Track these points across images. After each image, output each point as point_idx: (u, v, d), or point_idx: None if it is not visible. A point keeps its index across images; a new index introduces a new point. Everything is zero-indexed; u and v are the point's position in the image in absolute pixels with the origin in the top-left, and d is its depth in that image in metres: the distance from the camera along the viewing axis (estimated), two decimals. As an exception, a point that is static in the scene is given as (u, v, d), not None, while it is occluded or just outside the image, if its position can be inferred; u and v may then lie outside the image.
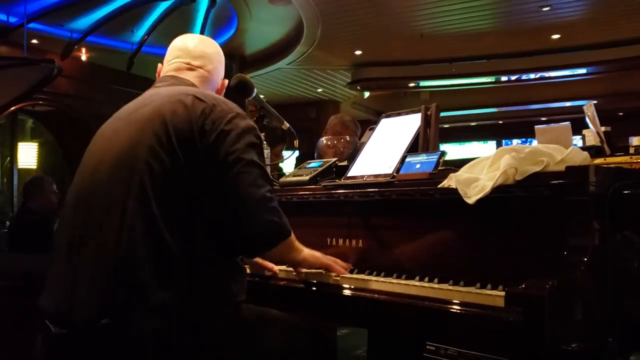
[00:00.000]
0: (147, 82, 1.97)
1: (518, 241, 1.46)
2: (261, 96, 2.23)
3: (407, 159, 1.85)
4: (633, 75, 9.96)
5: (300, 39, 8.47)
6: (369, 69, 10.28)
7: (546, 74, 10.26)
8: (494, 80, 10.72)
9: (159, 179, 1.44)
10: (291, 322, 1.68)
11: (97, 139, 1.63)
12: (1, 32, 6.37)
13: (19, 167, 7.99)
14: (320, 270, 1.78)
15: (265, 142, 2.31)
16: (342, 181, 1.98)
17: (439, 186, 1.61)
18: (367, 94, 11.95)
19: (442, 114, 2.11)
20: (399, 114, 2.13)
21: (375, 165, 1.96)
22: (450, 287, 1.46)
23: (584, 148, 2.35)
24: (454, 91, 11.19)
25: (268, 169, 2.18)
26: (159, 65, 1.81)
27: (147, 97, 1.62)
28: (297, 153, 3.56)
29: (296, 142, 2.40)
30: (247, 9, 7.58)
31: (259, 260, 1.87)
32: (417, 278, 1.59)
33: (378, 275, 1.68)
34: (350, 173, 2.01)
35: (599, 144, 2.64)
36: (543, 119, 13.16)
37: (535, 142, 2.70)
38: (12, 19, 6.43)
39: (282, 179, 2.20)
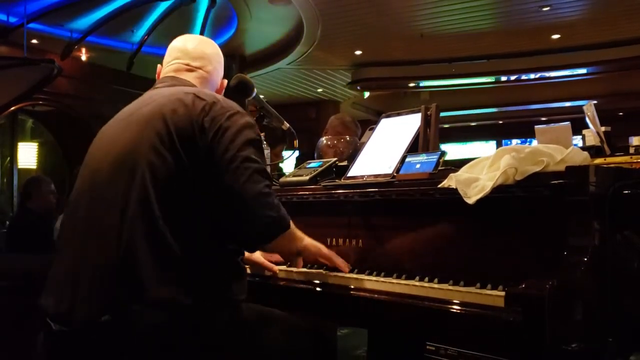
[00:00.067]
0: (147, 82, 1.98)
1: (518, 241, 1.46)
2: (261, 96, 2.23)
3: (407, 159, 1.85)
4: (633, 75, 9.96)
5: (300, 39, 8.48)
6: (369, 69, 10.29)
7: (546, 74, 10.26)
8: (494, 80, 10.72)
9: (161, 178, 1.45)
10: (291, 322, 1.68)
11: (97, 140, 1.64)
12: (1, 32, 6.37)
13: (19, 167, 7.99)
14: (320, 270, 1.78)
15: (265, 142, 2.31)
16: (342, 181, 1.98)
17: (439, 186, 1.61)
18: (367, 94, 11.95)
19: (442, 114, 2.11)
20: (399, 114, 2.13)
21: (375, 165, 1.96)
22: (450, 287, 1.46)
23: (584, 148, 2.35)
24: (454, 91, 11.19)
25: (268, 169, 2.19)
26: (159, 66, 1.81)
27: (148, 98, 1.63)
28: (297, 153, 3.56)
29: (296, 142, 2.40)
30: (247, 9, 7.58)
31: (260, 259, 1.87)
32: (417, 278, 1.59)
33: (378, 275, 1.68)
34: (350, 173, 2.01)
35: (599, 144, 2.64)
36: (543, 119, 13.16)
37: (535, 142, 2.70)
38: (12, 19, 6.44)
39: (282, 179, 2.20)
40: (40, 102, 6.82)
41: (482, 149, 14.61)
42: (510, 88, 11.33)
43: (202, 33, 7.60)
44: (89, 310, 1.39)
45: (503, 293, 1.34)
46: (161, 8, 7.20)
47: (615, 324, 1.37)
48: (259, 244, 1.59)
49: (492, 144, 14.92)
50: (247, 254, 1.75)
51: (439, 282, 1.52)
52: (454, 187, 1.54)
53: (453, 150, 14.57)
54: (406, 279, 1.61)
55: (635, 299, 1.45)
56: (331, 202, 1.93)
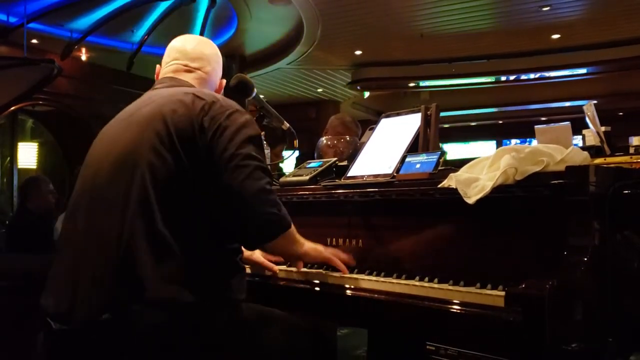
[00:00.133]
0: (147, 82, 1.97)
1: (518, 241, 1.46)
2: (261, 96, 2.23)
3: (407, 159, 1.85)
4: (633, 75, 9.96)
5: (300, 39, 8.48)
6: (369, 69, 10.29)
7: (546, 74, 10.26)
8: (493, 80, 10.73)
9: (161, 178, 1.45)
10: (291, 322, 1.68)
11: (98, 140, 1.64)
12: (1, 32, 6.37)
13: (19, 167, 7.99)
14: (320, 270, 1.78)
15: (265, 142, 2.31)
16: (342, 181, 1.98)
17: (439, 186, 1.61)
18: (367, 94, 11.96)
19: (442, 114, 2.11)
20: (398, 114, 2.13)
21: (375, 165, 1.96)
22: (450, 287, 1.46)
23: (584, 148, 2.36)
24: (454, 91, 11.19)
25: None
26: (157, 66, 1.81)
27: (147, 98, 1.63)
28: (297, 153, 3.56)
29: (296, 142, 2.40)
30: (247, 9, 7.58)
31: (259, 259, 1.87)
32: (417, 278, 1.59)
33: (378, 275, 1.68)
34: (350, 173, 2.01)
35: (599, 144, 2.64)
36: (543, 119, 13.17)
37: (535, 142, 2.70)
38: (12, 19, 6.44)
39: (282, 179, 2.20)
40: (40, 102, 6.82)
41: (482, 149, 14.62)
42: (510, 88, 11.34)
43: (202, 33, 7.61)
44: (89, 310, 1.39)
45: (503, 293, 1.34)
46: (161, 8, 7.21)
47: (615, 324, 1.37)
48: (260, 242, 1.59)
49: (492, 143, 14.92)
50: (247, 253, 1.75)
51: (439, 282, 1.52)
52: (454, 187, 1.54)
53: (453, 150, 14.58)
54: (406, 279, 1.61)
55: (635, 299, 1.45)
56: (331, 202, 1.93)
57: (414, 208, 1.72)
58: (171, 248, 1.41)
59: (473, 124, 14.91)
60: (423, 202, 1.67)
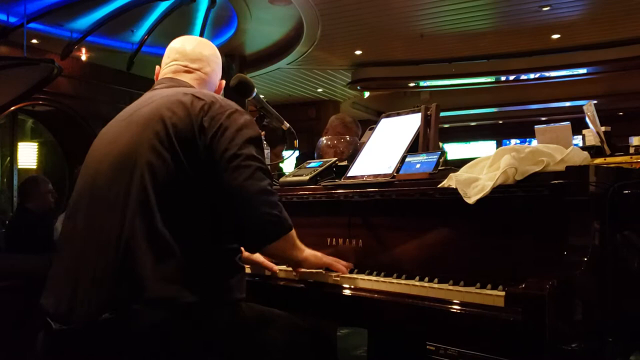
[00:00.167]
0: (147, 82, 1.98)
1: (518, 241, 1.46)
2: (261, 96, 2.23)
3: (407, 159, 1.85)
4: (633, 75, 9.97)
5: (300, 39, 8.48)
6: (369, 69, 10.29)
7: (546, 74, 10.27)
8: (493, 80, 10.73)
9: (160, 178, 1.45)
10: (291, 322, 1.68)
11: (98, 141, 1.64)
12: (1, 32, 6.37)
13: (19, 167, 7.99)
14: (320, 270, 1.78)
15: (265, 142, 2.31)
16: (342, 181, 1.98)
17: (439, 186, 1.61)
18: (367, 94, 11.96)
19: (442, 114, 2.10)
20: (398, 114, 2.13)
21: (375, 165, 1.96)
22: (450, 287, 1.46)
23: (584, 148, 2.36)
24: (454, 91, 11.20)
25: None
26: (157, 67, 1.81)
27: (147, 99, 1.63)
28: (297, 153, 3.56)
29: (296, 142, 2.40)
30: (247, 9, 7.58)
31: (259, 259, 1.87)
32: (417, 278, 1.59)
33: (378, 275, 1.68)
34: (350, 173, 2.01)
35: (599, 143, 2.65)
36: (543, 118, 13.18)
37: (535, 142, 2.70)
38: (12, 19, 6.44)
39: (282, 179, 2.20)
40: (40, 102, 6.82)
41: (482, 149, 14.62)
42: (510, 88, 11.34)
43: (202, 33, 7.61)
44: (88, 310, 1.39)
45: (503, 293, 1.34)
46: (161, 8, 7.21)
47: (615, 324, 1.37)
48: (260, 244, 1.58)
49: (492, 143, 14.93)
50: (246, 253, 1.75)
51: (439, 282, 1.52)
52: (454, 187, 1.54)
53: (453, 150, 14.58)
54: (406, 279, 1.61)
55: (635, 299, 1.46)
56: (331, 202, 1.93)
57: (414, 208, 1.72)
58: (171, 248, 1.41)
59: (473, 124, 14.91)
60: (423, 202, 1.67)
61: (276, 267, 1.88)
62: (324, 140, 2.75)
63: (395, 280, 1.60)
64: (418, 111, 2.01)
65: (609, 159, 2.40)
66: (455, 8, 7.50)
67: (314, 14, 7.54)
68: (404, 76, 10.49)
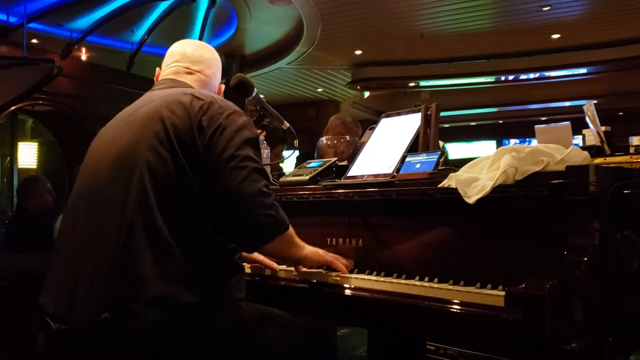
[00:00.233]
0: (147, 82, 1.98)
1: (518, 241, 1.46)
2: (261, 96, 2.23)
3: (407, 159, 1.85)
4: (633, 75, 9.97)
5: (300, 39, 8.48)
6: (369, 69, 10.30)
7: (546, 74, 10.27)
8: (493, 80, 10.73)
9: (159, 177, 1.45)
10: (291, 321, 1.68)
11: (97, 140, 1.65)
12: (1, 32, 6.37)
13: (19, 167, 8.00)
14: (320, 270, 1.78)
15: (265, 142, 2.31)
16: (342, 181, 1.98)
17: (439, 186, 1.61)
18: (367, 94, 11.96)
19: (442, 114, 2.10)
20: (398, 114, 2.13)
21: (375, 165, 1.96)
22: (450, 287, 1.46)
23: (584, 148, 2.36)
24: (454, 91, 11.19)
25: (268, 169, 2.18)
26: (157, 69, 1.82)
27: (146, 99, 1.64)
28: (297, 153, 3.56)
29: (296, 142, 2.40)
30: (247, 9, 7.58)
31: (259, 258, 1.87)
32: (417, 278, 1.59)
33: (378, 275, 1.68)
34: (350, 173, 2.01)
35: (599, 143, 2.65)
36: (543, 118, 13.17)
37: (535, 142, 2.71)
38: (12, 19, 6.44)
39: (282, 179, 2.20)
40: (40, 102, 6.82)
41: (483, 148, 14.63)
42: (510, 88, 11.34)
43: (202, 33, 7.61)
44: (88, 310, 1.39)
45: (503, 293, 1.34)
46: (161, 8, 7.21)
47: (615, 324, 1.37)
48: (257, 244, 1.59)
49: (492, 143, 14.93)
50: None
51: (439, 282, 1.52)
52: (454, 187, 1.54)
53: (454, 150, 14.58)
54: (406, 278, 1.60)
55: (635, 299, 1.45)
56: (331, 202, 1.93)
57: (414, 208, 1.72)
58: (170, 247, 1.41)
59: (473, 123, 14.91)
60: (423, 202, 1.67)
61: (276, 266, 1.88)
62: (324, 140, 2.75)
63: (395, 280, 1.60)
64: (418, 111, 2.01)
65: (609, 159, 2.40)
66: (455, 8, 7.50)
67: (314, 13, 7.54)
68: (403, 76, 10.49)
